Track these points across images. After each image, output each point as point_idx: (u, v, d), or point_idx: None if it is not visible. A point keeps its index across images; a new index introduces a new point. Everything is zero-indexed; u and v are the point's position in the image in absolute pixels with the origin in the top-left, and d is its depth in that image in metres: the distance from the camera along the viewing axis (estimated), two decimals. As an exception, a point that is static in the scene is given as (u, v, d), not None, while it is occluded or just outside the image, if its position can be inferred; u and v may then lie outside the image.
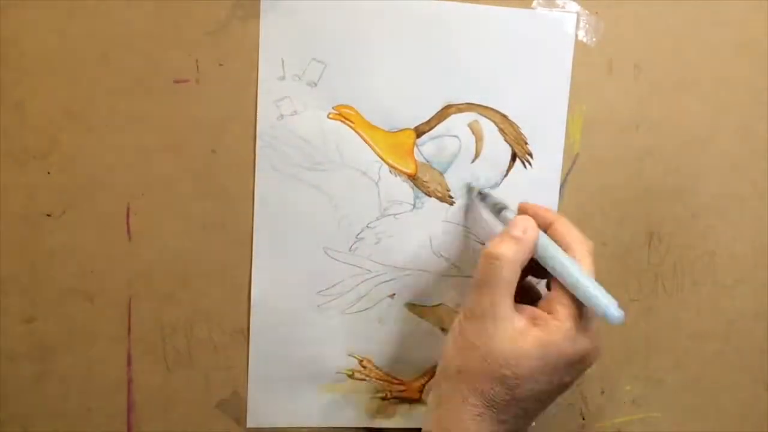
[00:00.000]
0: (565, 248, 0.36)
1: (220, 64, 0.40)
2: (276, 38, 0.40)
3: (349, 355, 0.44)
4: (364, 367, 0.44)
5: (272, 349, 0.43)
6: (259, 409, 0.43)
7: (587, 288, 0.34)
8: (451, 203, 0.43)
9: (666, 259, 0.47)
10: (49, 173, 0.39)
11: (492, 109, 0.43)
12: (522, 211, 0.39)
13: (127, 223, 0.41)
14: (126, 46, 0.39)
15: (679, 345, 0.48)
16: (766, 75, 0.46)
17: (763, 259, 0.48)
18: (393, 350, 0.44)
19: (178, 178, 0.41)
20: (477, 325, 0.35)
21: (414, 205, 0.43)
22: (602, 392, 0.48)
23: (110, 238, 0.41)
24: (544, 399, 0.35)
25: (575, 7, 0.43)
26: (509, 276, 0.35)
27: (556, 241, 0.37)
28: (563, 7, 0.43)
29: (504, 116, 0.43)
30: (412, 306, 0.44)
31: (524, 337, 0.34)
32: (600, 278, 0.46)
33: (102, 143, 0.40)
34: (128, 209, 0.40)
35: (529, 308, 0.35)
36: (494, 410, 0.34)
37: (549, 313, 0.35)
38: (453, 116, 0.42)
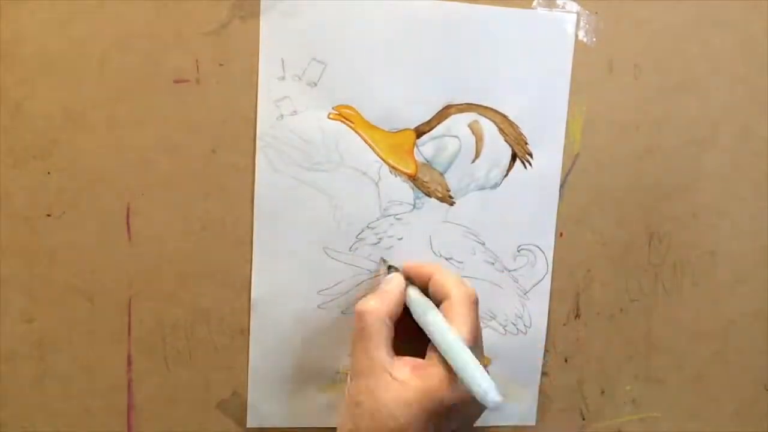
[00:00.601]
0: (444, 297, 0.37)
1: (220, 64, 0.40)
2: (276, 38, 0.40)
3: (349, 355, 0.44)
4: (364, 367, 0.44)
5: (272, 349, 0.43)
6: (259, 409, 0.43)
7: (464, 368, 0.33)
8: (451, 203, 0.43)
9: (666, 259, 0.47)
10: (49, 173, 0.39)
11: (492, 109, 0.43)
12: (404, 269, 0.41)
13: (127, 223, 0.41)
14: (126, 46, 0.39)
15: (679, 345, 0.48)
16: (766, 75, 0.46)
17: (763, 259, 0.48)
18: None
19: (178, 178, 0.41)
20: (360, 382, 0.35)
21: (414, 206, 0.43)
22: (602, 392, 0.48)
23: (110, 238, 0.41)
24: None
25: (575, 7, 0.43)
26: (378, 327, 0.36)
27: (435, 292, 0.38)
28: (563, 7, 0.43)
29: (504, 116, 0.43)
30: (412, 306, 0.44)
31: (405, 387, 0.34)
32: (600, 278, 0.46)
33: (102, 143, 0.40)
34: (128, 209, 0.40)
35: (411, 359, 0.36)
36: None
37: (428, 360, 0.35)
38: (453, 116, 0.42)
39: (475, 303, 0.37)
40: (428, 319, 0.36)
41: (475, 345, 0.36)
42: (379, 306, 0.37)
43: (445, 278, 0.38)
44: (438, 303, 0.38)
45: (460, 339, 0.34)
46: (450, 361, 0.34)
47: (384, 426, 0.34)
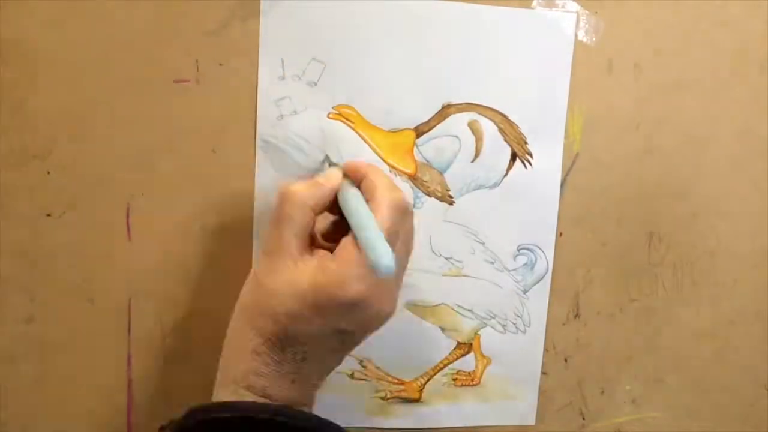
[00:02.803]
0: (369, 198, 0.35)
1: (220, 64, 0.40)
2: (276, 38, 0.40)
3: (349, 355, 0.44)
4: (364, 367, 0.44)
5: (272, 349, 0.43)
6: (259, 409, 0.43)
7: (366, 235, 0.32)
8: (451, 203, 0.43)
9: (666, 259, 0.47)
10: (49, 173, 0.39)
11: (492, 109, 0.43)
12: (343, 166, 0.38)
13: (127, 223, 0.41)
14: (126, 46, 0.39)
15: (679, 345, 0.48)
16: (766, 75, 0.46)
17: (763, 259, 0.48)
18: (393, 350, 0.44)
19: (178, 178, 0.41)
20: (265, 262, 0.35)
21: (414, 205, 0.43)
22: (602, 392, 0.48)
23: (110, 238, 0.41)
24: (324, 346, 0.35)
25: (575, 7, 0.43)
26: (299, 215, 0.35)
27: (365, 192, 0.36)
28: (563, 7, 0.43)
29: (504, 116, 0.43)
30: (412, 306, 0.44)
31: (302, 276, 0.33)
32: (600, 278, 0.46)
33: (102, 143, 0.40)
34: (128, 209, 0.40)
35: (325, 253, 0.35)
36: (270, 348, 0.34)
37: (336, 252, 0.34)
38: (453, 116, 0.42)
39: (401, 210, 0.35)
40: (350, 205, 0.35)
41: (394, 245, 0.34)
42: (304, 192, 0.35)
43: (378, 179, 0.36)
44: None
45: (373, 218, 0.33)
46: (356, 234, 0.33)
47: (271, 308, 0.34)
